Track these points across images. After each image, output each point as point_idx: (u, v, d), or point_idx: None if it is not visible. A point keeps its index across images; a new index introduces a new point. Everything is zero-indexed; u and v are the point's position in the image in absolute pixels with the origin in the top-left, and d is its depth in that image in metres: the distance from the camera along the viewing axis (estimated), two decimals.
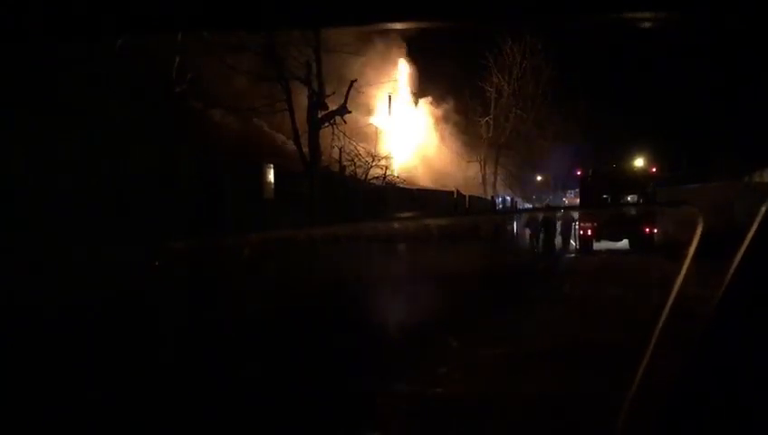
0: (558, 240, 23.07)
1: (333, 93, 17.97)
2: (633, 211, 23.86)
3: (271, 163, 12.44)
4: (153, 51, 13.67)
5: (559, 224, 22.87)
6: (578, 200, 28.01)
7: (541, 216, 24.72)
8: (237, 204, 11.06)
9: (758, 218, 1.14)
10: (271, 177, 12.21)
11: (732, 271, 1.12)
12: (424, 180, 30.61)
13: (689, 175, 27.79)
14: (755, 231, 1.13)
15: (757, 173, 28.92)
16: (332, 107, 17.85)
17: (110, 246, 7.23)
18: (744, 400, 1.08)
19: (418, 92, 34.36)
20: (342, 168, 19.37)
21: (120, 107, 10.34)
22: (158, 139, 9.89)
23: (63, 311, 6.06)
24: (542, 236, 22.68)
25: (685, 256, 1.35)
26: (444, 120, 35.04)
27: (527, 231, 24.32)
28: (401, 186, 23.19)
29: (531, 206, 40.93)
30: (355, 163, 20.83)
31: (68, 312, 6.07)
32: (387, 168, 21.49)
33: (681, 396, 1.13)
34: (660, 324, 1.30)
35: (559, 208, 24.85)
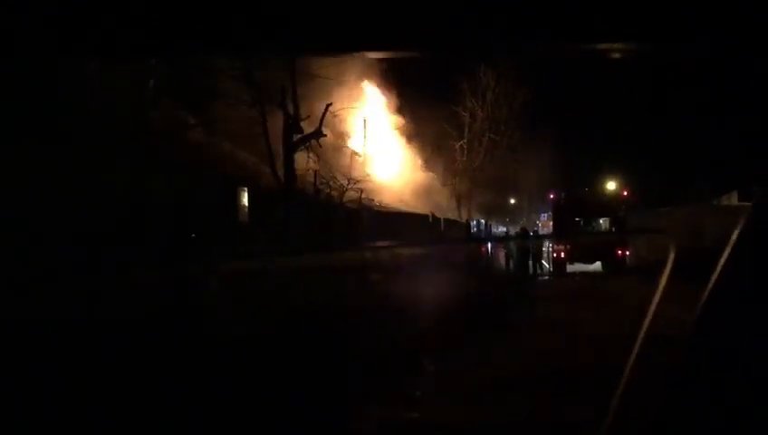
0: (531, 262, 23.19)
1: (308, 117, 18.02)
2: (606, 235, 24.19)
3: (245, 187, 12.38)
4: (127, 74, 13.59)
5: (532, 246, 22.99)
6: (551, 223, 28.26)
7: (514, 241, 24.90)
8: (211, 227, 10.96)
9: (730, 243, 1.15)
10: (245, 200, 12.14)
11: (706, 295, 1.12)
12: (399, 203, 30.68)
13: (660, 198, 28.25)
14: (728, 256, 1.14)
15: (725, 196, 29.56)
16: (308, 130, 17.90)
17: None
18: (725, 423, 1.08)
19: (394, 117, 34.57)
20: (317, 190, 19.33)
21: (97, 130, 10.25)
22: (134, 162, 9.80)
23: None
24: (515, 258, 22.78)
25: (658, 281, 1.36)
26: (418, 143, 35.29)
27: (501, 254, 24.43)
28: (376, 209, 23.21)
29: (505, 229, 41.21)
30: (330, 186, 20.82)
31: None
32: (362, 191, 21.50)
33: (661, 421, 1.13)
34: (636, 350, 1.30)
35: (534, 237, 24.96)
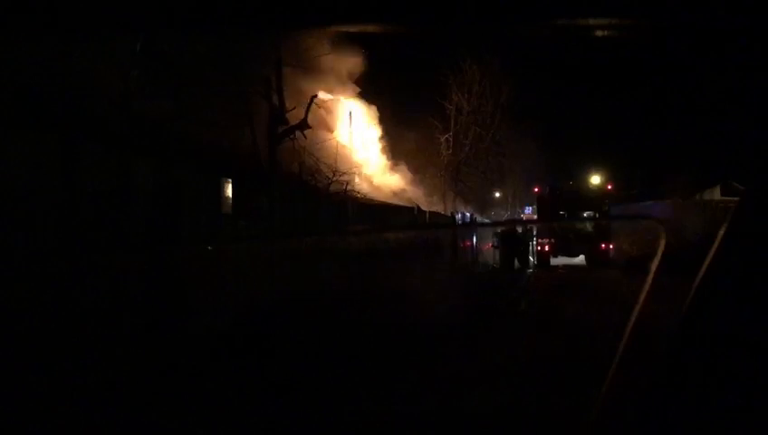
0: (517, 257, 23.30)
1: (294, 109, 17.94)
2: (590, 228, 24.36)
3: (229, 178, 12.27)
4: (107, 64, 13.43)
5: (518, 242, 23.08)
6: (535, 217, 28.46)
7: (499, 230, 24.95)
8: (194, 219, 10.87)
9: (717, 239, 1.14)
10: (229, 191, 12.02)
11: (693, 291, 1.12)
12: (385, 196, 30.67)
13: (643, 193, 28.48)
14: (715, 252, 1.13)
15: (707, 191, 29.85)
16: (294, 121, 17.82)
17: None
18: (711, 416, 1.08)
19: (379, 108, 34.47)
20: (303, 182, 19.24)
21: (77, 119, 10.12)
22: (114, 150, 9.66)
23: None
24: (500, 253, 22.87)
25: (647, 273, 1.35)
26: (405, 135, 35.23)
27: (486, 246, 24.55)
28: (362, 201, 23.17)
29: (489, 222, 41.38)
30: (316, 178, 20.74)
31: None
32: (348, 183, 21.46)
33: (648, 414, 1.12)
34: (623, 343, 1.29)
35: (518, 222, 24.96)
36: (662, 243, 1.39)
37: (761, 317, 1.07)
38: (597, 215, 24.41)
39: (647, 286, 1.33)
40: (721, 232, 1.13)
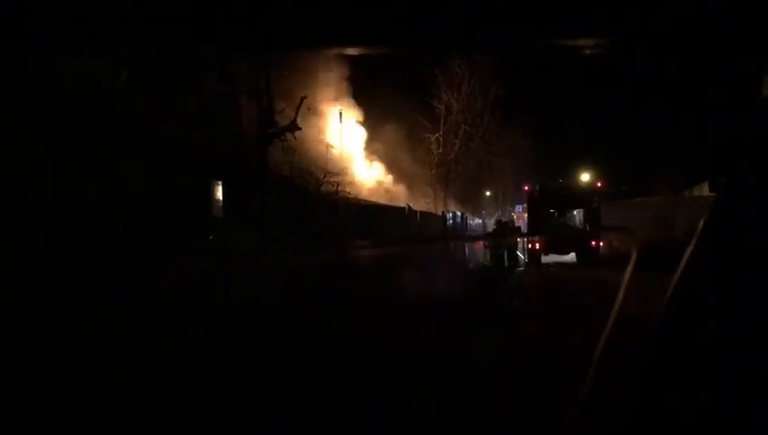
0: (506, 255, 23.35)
1: (283, 110, 17.93)
2: (579, 226, 24.50)
3: (219, 180, 12.24)
4: (99, 66, 13.40)
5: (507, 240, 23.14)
6: (526, 215, 28.55)
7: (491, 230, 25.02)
8: (185, 223, 10.83)
9: (697, 233, 1.16)
10: (219, 194, 12.00)
11: (673, 285, 1.14)
12: (375, 196, 30.68)
13: (633, 189, 28.60)
14: (694, 245, 1.15)
15: (696, 187, 30.03)
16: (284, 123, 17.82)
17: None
18: (691, 410, 1.10)
19: (369, 109, 34.46)
20: (294, 183, 19.24)
21: (67, 121, 10.09)
22: (106, 153, 9.63)
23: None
24: (491, 250, 22.92)
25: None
26: (394, 135, 35.24)
27: (478, 245, 24.60)
28: (353, 202, 23.19)
29: (481, 220, 41.48)
30: (306, 179, 20.75)
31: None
32: (338, 184, 21.47)
33: (629, 408, 1.14)
34: (604, 339, 1.32)
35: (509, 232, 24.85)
36: (634, 253, 1.46)
37: (740, 310, 1.09)
38: (587, 212, 24.51)
39: (623, 288, 1.37)
40: (700, 226, 1.15)
